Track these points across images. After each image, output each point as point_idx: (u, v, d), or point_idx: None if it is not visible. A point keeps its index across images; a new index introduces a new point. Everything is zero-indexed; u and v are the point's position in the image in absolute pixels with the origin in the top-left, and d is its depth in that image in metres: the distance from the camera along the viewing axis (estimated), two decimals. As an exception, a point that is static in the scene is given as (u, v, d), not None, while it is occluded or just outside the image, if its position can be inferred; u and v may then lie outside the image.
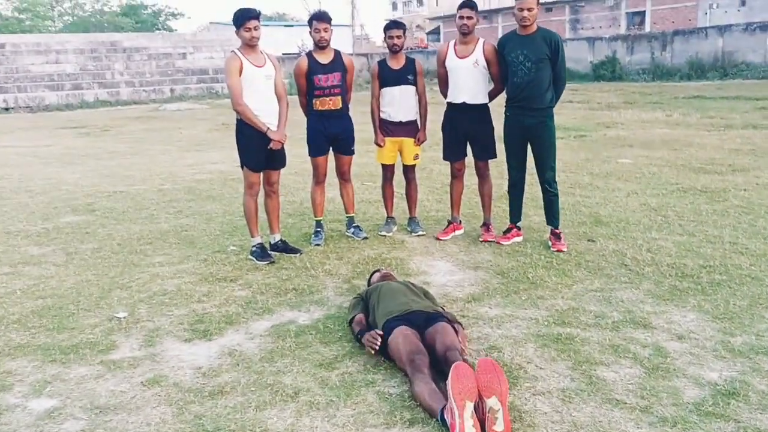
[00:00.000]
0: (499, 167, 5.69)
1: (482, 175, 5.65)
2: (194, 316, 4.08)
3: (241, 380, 3.27)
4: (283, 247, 5.36)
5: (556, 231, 5.35)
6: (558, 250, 5.18)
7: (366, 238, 5.69)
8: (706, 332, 3.64)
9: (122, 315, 4.13)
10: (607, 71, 27.91)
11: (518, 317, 3.93)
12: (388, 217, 5.97)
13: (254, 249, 5.19)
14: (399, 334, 3.26)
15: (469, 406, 2.60)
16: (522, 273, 4.68)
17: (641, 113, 14.51)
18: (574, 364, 3.32)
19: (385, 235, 5.76)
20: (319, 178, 5.63)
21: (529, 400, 2.99)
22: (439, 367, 3.12)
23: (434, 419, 2.79)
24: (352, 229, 5.80)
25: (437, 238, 5.65)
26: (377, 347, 3.29)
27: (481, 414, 2.66)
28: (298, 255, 5.26)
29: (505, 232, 5.56)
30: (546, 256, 5.04)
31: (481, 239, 5.55)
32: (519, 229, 5.57)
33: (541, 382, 3.16)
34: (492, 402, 2.62)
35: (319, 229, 5.68)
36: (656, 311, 3.94)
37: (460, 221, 5.85)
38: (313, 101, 5.36)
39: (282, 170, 5.29)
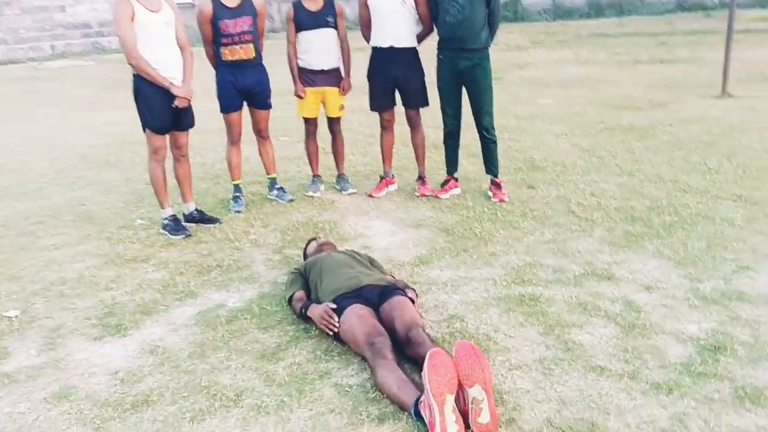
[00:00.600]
0: (431, 115, 5.26)
1: (414, 124, 5.21)
2: (103, 308, 3.48)
3: (169, 384, 2.75)
4: (200, 217, 4.76)
5: (497, 180, 5.03)
6: (500, 201, 4.87)
7: (292, 200, 5.17)
8: (672, 280, 3.43)
9: (13, 314, 3.47)
10: (509, 12, 27.85)
11: (473, 279, 3.58)
12: (314, 175, 5.46)
13: (166, 222, 4.57)
14: (352, 314, 2.82)
15: (450, 400, 2.22)
16: (467, 228, 4.33)
17: (550, 53, 14.43)
18: (545, 329, 3.01)
19: (312, 196, 5.26)
20: (233, 137, 5.01)
21: (507, 378, 2.65)
22: (401, 349, 2.73)
23: (405, 413, 2.40)
24: (275, 192, 5.26)
25: (370, 196, 5.21)
26: (336, 328, 2.85)
27: (462, 405, 2.29)
28: (217, 225, 4.69)
29: (442, 185, 5.19)
30: (489, 207, 4.72)
31: (417, 194, 5.16)
32: (456, 180, 5.22)
33: (515, 353, 2.83)
34: (475, 391, 2.25)
35: (238, 194, 5.09)
36: (616, 261, 3.70)
37: (393, 175, 5.42)
38: (221, 51, 4.70)
39: (191, 130, 4.64)
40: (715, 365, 2.66)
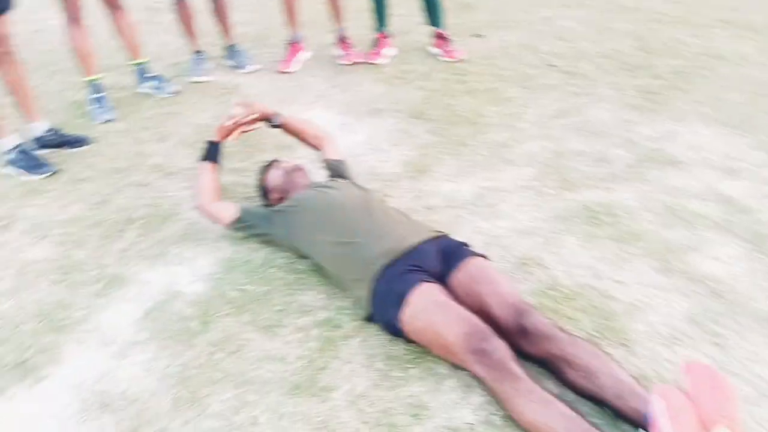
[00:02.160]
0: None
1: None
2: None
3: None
4: (58, 140, 3.27)
5: (442, 33, 3.96)
6: (454, 59, 3.85)
7: (178, 91, 3.76)
8: (748, 154, 2.75)
9: None
10: None
11: (504, 189, 2.65)
12: (195, 51, 4.01)
13: (12, 156, 3.06)
14: (427, 301, 1.82)
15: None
16: (444, 108, 3.31)
17: None
18: (658, 262, 2.21)
19: (203, 81, 3.88)
20: (73, 13, 3.39)
21: (672, 357, 1.86)
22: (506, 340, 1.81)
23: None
24: (148, 82, 3.79)
25: (281, 72, 3.94)
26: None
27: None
28: (87, 147, 3.26)
29: (374, 45, 4.02)
30: (449, 72, 3.69)
31: (342, 62, 3.97)
32: (387, 37, 4.06)
33: (651, 313, 2.02)
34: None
35: (99, 95, 3.58)
36: (659, 133, 2.94)
37: (302, 39, 4.13)
38: None
39: (8, 15, 2.99)
40: None
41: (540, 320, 1.76)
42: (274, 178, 2.49)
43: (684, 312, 1.95)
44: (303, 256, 2.28)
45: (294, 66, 3.98)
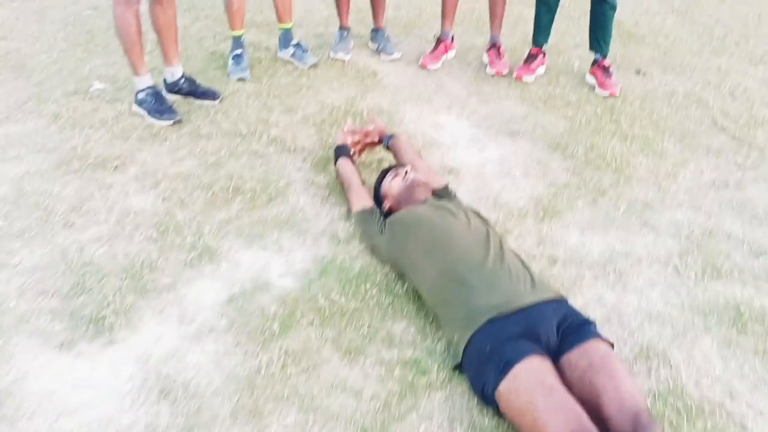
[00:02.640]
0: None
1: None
2: (63, 278, 2.11)
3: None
4: (189, 89, 3.24)
5: (605, 63, 3.62)
6: (611, 94, 3.52)
7: (315, 64, 3.65)
8: None
9: None
10: None
11: (637, 255, 2.35)
12: (341, 27, 3.87)
13: (142, 96, 3.05)
14: (531, 380, 1.59)
15: None
16: (588, 145, 3.01)
17: None
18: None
19: (340, 59, 3.75)
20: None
21: None
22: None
23: None
24: (290, 49, 3.69)
25: (423, 66, 3.75)
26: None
27: None
28: (216, 103, 3.20)
29: (526, 60, 3.75)
30: (599, 106, 3.38)
31: (489, 70, 3.72)
32: (544, 54, 3.77)
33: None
34: None
35: (239, 51, 3.51)
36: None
37: (453, 38, 3.90)
38: None
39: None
40: None
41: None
42: (395, 186, 2.32)
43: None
44: (401, 275, 2.10)
45: (437, 64, 3.78)
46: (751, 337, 2.00)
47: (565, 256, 2.30)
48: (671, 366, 1.87)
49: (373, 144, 2.73)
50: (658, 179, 2.79)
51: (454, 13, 3.78)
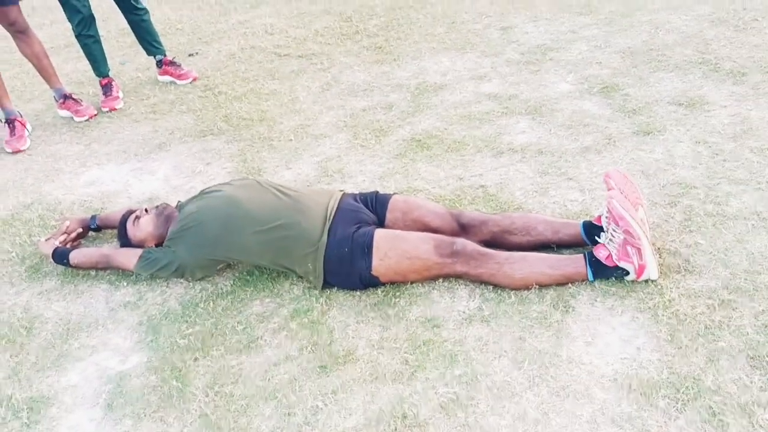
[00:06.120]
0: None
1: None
2: None
3: None
4: None
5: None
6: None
7: None
8: None
9: None
10: None
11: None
12: None
13: None
14: (389, 236, 2.04)
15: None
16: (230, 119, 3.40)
17: None
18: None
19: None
20: None
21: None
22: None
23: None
24: None
25: (15, 151, 3.57)
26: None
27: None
28: None
29: (104, 93, 3.87)
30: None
31: (78, 118, 3.75)
32: (111, 79, 3.94)
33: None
34: (641, 214, 1.97)
35: None
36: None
37: (20, 113, 3.74)
38: None
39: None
40: None
41: (472, 214, 2.16)
42: (145, 225, 2.35)
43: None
44: (216, 271, 2.27)
45: (26, 142, 3.62)
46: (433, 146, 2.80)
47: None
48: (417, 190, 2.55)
49: (81, 234, 2.61)
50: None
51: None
